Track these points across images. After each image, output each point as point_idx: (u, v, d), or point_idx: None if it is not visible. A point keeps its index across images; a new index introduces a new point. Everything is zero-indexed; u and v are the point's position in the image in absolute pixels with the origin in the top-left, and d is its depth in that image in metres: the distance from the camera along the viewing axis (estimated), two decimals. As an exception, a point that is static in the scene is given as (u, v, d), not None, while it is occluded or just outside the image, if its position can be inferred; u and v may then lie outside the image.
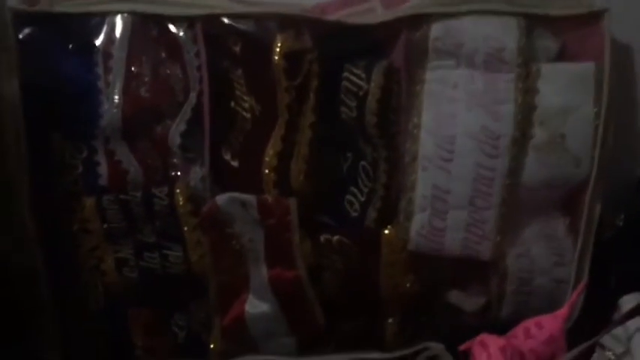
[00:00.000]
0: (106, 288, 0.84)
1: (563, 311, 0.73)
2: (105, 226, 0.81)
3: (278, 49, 0.73)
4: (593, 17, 0.75)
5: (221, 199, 0.78)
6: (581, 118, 0.76)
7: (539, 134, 0.76)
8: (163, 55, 0.78)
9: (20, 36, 0.77)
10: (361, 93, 0.75)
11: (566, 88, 0.76)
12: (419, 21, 0.75)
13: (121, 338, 0.87)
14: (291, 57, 0.73)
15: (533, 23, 0.75)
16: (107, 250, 0.82)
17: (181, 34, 0.76)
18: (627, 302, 0.76)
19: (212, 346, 0.86)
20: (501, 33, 0.74)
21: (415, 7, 0.74)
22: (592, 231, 0.80)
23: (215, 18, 0.75)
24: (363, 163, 0.79)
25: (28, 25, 0.77)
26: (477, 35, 0.74)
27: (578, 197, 0.79)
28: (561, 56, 0.77)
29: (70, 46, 0.78)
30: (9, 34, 0.76)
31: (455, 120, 0.75)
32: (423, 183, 0.76)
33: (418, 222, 0.77)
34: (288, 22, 0.74)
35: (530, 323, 0.73)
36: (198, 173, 0.80)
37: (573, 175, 0.77)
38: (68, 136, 0.79)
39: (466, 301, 0.84)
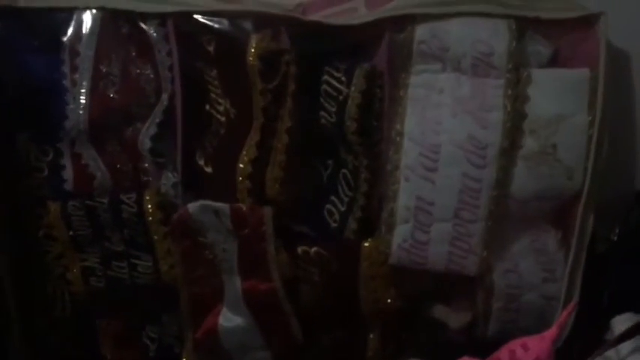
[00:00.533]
0: (73, 297, 0.81)
1: (551, 332, 0.69)
2: (70, 233, 0.78)
3: (253, 50, 0.69)
4: (588, 21, 0.71)
5: (193, 206, 0.74)
6: (574, 127, 0.72)
7: (529, 144, 0.72)
8: (134, 53, 0.74)
9: (-16, 32, 0.74)
10: (341, 97, 0.71)
11: (558, 96, 0.72)
12: (403, 22, 0.71)
13: (90, 349, 0.83)
14: (267, 58, 0.69)
15: (524, 26, 0.71)
16: (73, 259, 0.79)
17: (153, 32, 0.73)
18: (620, 323, 0.72)
19: (184, 359, 0.83)
20: (490, 36, 0.70)
21: (399, 8, 0.71)
22: (584, 246, 0.76)
23: (188, 15, 0.72)
24: (344, 170, 0.76)
25: (-8, 20, 0.74)
26: (465, 38, 0.71)
27: (571, 210, 0.75)
28: (554, 62, 0.73)
29: (36, 42, 0.75)
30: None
31: (440, 127, 0.72)
32: (405, 193, 0.72)
33: (400, 234, 0.73)
34: (265, 22, 0.71)
35: (515, 345, 0.69)
36: (170, 179, 0.76)
37: (565, 187, 0.73)
38: (34, 137, 0.76)
39: (451, 316, 0.80)
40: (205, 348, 0.82)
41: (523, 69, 0.71)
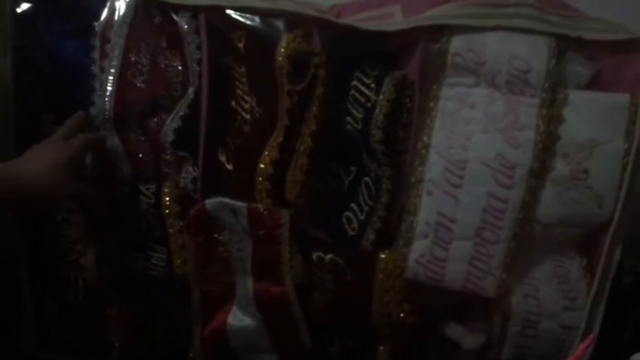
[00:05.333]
0: (86, 283, 0.80)
1: (566, 365, 0.67)
2: (88, 219, 0.77)
3: (282, 50, 0.68)
4: (633, 45, 0.68)
5: (210, 203, 0.74)
6: (609, 154, 0.69)
7: (560, 167, 0.69)
8: (164, 44, 0.74)
9: (18, 11, 0.74)
10: (369, 104, 0.70)
11: (595, 120, 0.69)
12: (439, 32, 0.69)
13: (98, 336, 0.83)
14: (296, 59, 0.68)
15: (565, 45, 0.69)
16: (89, 245, 0.78)
17: (184, 24, 0.72)
18: (640, 360, 0.69)
19: (191, 355, 0.82)
20: (529, 53, 0.68)
21: (436, 17, 0.68)
22: (609, 276, 0.73)
23: (220, 10, 0.71)
24: (366, 179, 0.74)
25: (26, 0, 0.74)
26: (502, 53, 0.68)
27: (598, 238, 0.72)
28: (593, 84, 0.71)
29: (68, 26, 0.74)
30: (5, 9, 0.73)
31: (469, 143, 0.69)
32: (427, 208, 0.70)
33: (418, 249, 0.71)
34: (297, 22, 0.69)
35: (528, 375, 0.67)
36: (189, 173, 0.76)
37: (594, 215, 0.71)
38: (59, 119, 0.76)
39: (465, 337, 0.78)
40: (213, 345, 0.81)
41: (560, 89, 0.69)
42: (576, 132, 0.69)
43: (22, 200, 0.71)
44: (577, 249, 0.75)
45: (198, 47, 0.72)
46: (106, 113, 0.73)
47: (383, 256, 0.73)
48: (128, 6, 0.73)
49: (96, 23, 0.74)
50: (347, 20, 0.71)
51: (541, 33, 0.68)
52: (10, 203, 0.73)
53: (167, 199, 0.74)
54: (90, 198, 0.75)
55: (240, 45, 0.71)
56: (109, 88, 0.73)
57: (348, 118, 0.71)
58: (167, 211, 0.75)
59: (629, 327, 0.78)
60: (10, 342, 0.84)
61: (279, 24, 0.70)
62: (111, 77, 0.73)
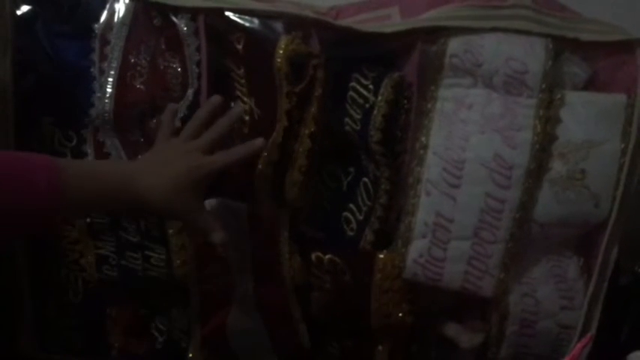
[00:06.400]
0: (85, 283, 0.80)
1: (564, 364, 0.67)
2: (88, 220, 0.77)
3: (281, 52, 0.68)
4: (629, 46, 0.69)
5: (210, 203, 0.74)
6: (606, 154, 0.70)
7: (557, 167, 0.70)
8: (163, 46, 0.74)
9: (18, 13, 0.74)
10: (367, 105, 0.70)
11: (592, 120, 0.70)
12: (436, 34, 0.69)
13: (98, 337, 0.83)
14: (294, 61, 0.68)
15: (561, 46, 0.69)
16: (88, 245, 0.79)
17: (183, 26, 0.72)
18: (636, 359, 0.69)
19: (190, 355, 0.82)
20: (526, 54, 0.69)
21: (433, 19, 0.69)
22: (606, 275, 0.74)
23: (219, 12, 0.71)
24: (364, 179, 0.74)
25: (27, 1, 0.74)
26: (499, 54, 0.69)
27: (595, 238, 0.73)
28: (590, 85, 0.71)
29: (68, 28, 0.74)
30: (5, 11, 0.73)
31: (466, 144, 0.70)
32: (425, 208, 0.71)
33: (416, 249, 0.72)
34: (296, 24, 0.70)
35: (526, 374, 0.67)
36: (189, 174, 0.75)
37: (591, 215, 0.71)
38: (58, 122, 0.76)
39: (463, 336, 0.78)
40: (212, 345, 0.81)
41: (557, 90, 0.70)
42: (573, 133, 0.70)
43: (129, 209, 0.66)
44: (574, 249, 0.75)
45: (198, 49, 0.72)
46: (106, 115, 0.74)
47: (381, 256, 0.73)
48: (128, 8, 0.74)
49: (95, 25, 0.74)
50: (345, 22, 0.72)
51: (538, 34, 0.69)
52: (112, 210, 0.68)
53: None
54: (206, 222, 0.66)
55: (239, 47, 0.71)
56: (109, 90, 0.73)
57: (347, 119, 0.72)
58: (167, 211, 0.75)
59: (627, 326, 0.78)
60: (9, 342, 0.84)
61: (278, 26, 0.70)
62: (110, 79, 0.73)
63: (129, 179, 0.62)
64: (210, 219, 0.66)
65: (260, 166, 0.72)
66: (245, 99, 0.73)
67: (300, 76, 0.69)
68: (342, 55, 0.71)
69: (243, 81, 0.72)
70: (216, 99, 0.68)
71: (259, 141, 0.67)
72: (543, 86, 0.69)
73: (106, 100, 0.73)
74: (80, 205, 0.61)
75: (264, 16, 0.70)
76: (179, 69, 0.73)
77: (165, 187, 0.62)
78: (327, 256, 0.74)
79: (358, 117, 0.71)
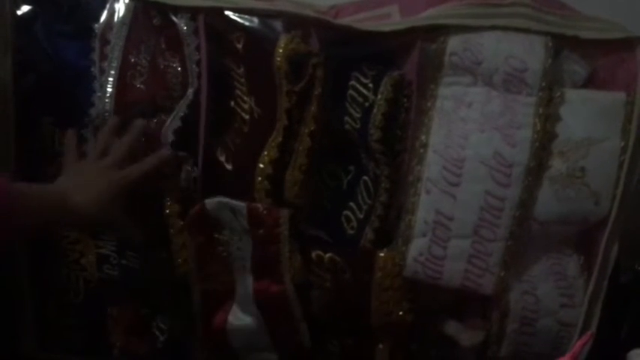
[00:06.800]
0: (86, 283, 0.80)
1: (564, 361, 0.67)
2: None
3: (280, 51, 0.68)
4: (629, 44, 0.69)
5: (210, 202, 0.74)
6: (606, 152, 0.70)
7: (556, 165, 0.70)
8: (163, 46, 0.74)
9: (18, 13, 0.74)
10: (367, 104, 0.70)
11: (591, 118, 0.70)
12: (436, 32, 0.69)
13: (99, 336, 0.83)
14: (294, 60, 0.68)
15: (561, 44, 0.70)
16: (89, 245, 0.79)
17: (183, 25, 0.73)
18: (637, 357, 0.69)
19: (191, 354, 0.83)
20: (525, 52, 0.69)
21: (433, 18, 0.69)
22: (607, 273, 0.74)
23: (219, 11, 0.71)
24: (365, 178, 0.75)
25: (27, 2, 0.74)
26: (499, 52, 0.69)
27: (595, 236, 0.73)
28: (589, 83, 0.71)
29: (68, 28, 0.75)
30: (5, 11, 0.73)
31: (466, 142, 0.70)
32: (425, 206, 0.71)
33: (416, 247, 0.72)
34: (296, 23, 0.70)
35: (526, 372, 0.67)
36: (189, 173, 0.76)
37: (591, 213, 0.71)
38: (58, 122, 0.76)
39: (463, 334, 0.78)
40: (213, 344, 0.81)
41: (557, 88, 0.70)
42: (573, 130, 0.70)
43: (63, 224, 0.71)
44: (574, 246, 0.75)
45: (198, 48, 0.72)
46: (106, 114, 0.74)
47: (382, 254, 0.73)
48: (127, 8, 0.74)
49: (95, 25, 0.74)
50: (345, 21, 0.72)
51: (537, 32, 0.69)
52: (49, 227, 0.73)
53: (168, 199, 0.75)
54: (129, 227, 0.74)
55: (239, 46, 0.71)
56: (109, 90, 0.73)
57: (347, 118, 0.72)
58: (167, 210, 0.75)
59: (627, 324, 0.78)
60: (10, 342, 0.84)
61: (278, 25, 0.70)
62: (111, 79, 0.73)
63: (63, 196, 0.68)
64: (132, 223, 0.73)
65: (261, 165, 0.72)
66: (245, 98, 0.73)
67: (300, 74, 0.69)
68: (342, 54, 0.71)
69: (243, 80, 0.73)
70: (114, 121, 0.73)
71: (165, 150, 0.72)
72: (543, 84, 0.69)
73: (107, 100, 0.74)
74: (27, 224, 0.65)
75: (263, 15, 0.70)
76: (179, 68, 0.73)
77: (96, 202, 0.68)
78: (328, 255, 0.74)
79: (358, 115, 0.71)
